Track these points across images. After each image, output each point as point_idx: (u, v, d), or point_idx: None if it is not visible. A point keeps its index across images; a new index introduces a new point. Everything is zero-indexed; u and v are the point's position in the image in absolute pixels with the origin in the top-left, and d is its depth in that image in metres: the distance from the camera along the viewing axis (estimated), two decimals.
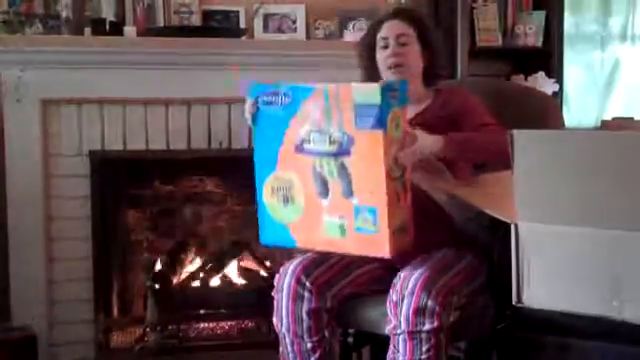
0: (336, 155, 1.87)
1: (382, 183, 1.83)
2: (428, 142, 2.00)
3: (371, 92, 1.82)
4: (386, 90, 1.82)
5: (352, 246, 1.91)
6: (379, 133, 1.81)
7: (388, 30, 2.27)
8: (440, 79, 2.36)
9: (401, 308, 1.93)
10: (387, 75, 2.28)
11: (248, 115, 2.00)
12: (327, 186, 1.90)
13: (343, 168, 1.87)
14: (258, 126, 1.99)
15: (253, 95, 1.99)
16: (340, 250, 1.97)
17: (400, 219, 1.89)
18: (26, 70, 2.98)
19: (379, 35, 2.29)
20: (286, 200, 1.96)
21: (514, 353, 2.12)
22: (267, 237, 2.03)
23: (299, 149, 1.92)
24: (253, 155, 2.01)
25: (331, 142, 1.87)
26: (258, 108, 1.97)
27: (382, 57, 2.28)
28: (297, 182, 1.94)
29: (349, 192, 1.87)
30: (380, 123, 1.80)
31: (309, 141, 1.90)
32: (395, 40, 2.25)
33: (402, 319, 1.93)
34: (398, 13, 2.32)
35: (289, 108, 1.93)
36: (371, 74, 2.34)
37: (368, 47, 2.34)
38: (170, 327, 3.20)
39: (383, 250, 1.87)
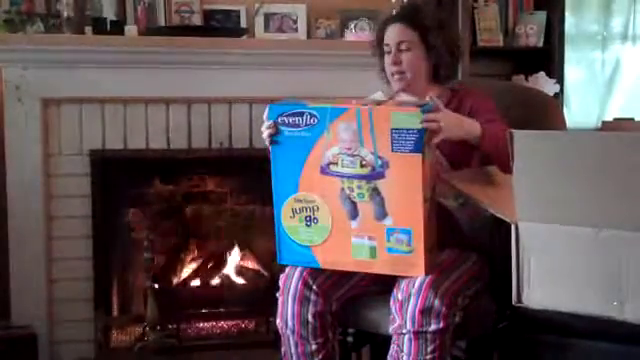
0: (368, 178, 1.88)
1: (419, 205, 1.85)
2: (452, 120, 1.96)
3: (410, 117, 1.82)
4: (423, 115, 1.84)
5: (383, 267, 1.92)
6: (417, 157, 1.83)
7: (389, 36, 2.25)
8: (451, 77, 2.31)
9: (407, 307, 1.93)
10: (392, 81, 2.28)
11: (266, 137, 1.97)
12: (356, 208, 1.91)
13: (375, 191, 1.87)
14: (278, 147, 1.96)
15: (273, 116, 1.95)
16: (369, 271, 1.97)
17: (432, 238, 1.92)
18: (27, 69, 2.98)
19: (384, 39, 2.27)
20: (309, 221, 1.95)
21: (515, 353, 2.11)
22: (286, 258, 2.03)
23: (324, 171, 1.91)
24: (271, 177, 1.99)
25: (362, 165, 1.87)
26: (278, 129, 1.95)
27: (386, 63, 2.28)
28: (322, 203, 1.94)
29: (382, 214, 1.88)
30: (418, 147, 1.82)
31: (336, 163, 1.90)
32: (396, 47, 2.23)
33: (408, 318, 1.92)
34: (401, 17, 2.27)
35: (315, 129, 1.90)
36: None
37: (380, 47, 2.31)
38: (170, 326, 3.20)
39: (418, 270, 1.89)
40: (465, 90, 2.32)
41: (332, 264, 1.99)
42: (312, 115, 1.90)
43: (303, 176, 1.94)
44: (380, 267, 1.93)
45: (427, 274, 1.91)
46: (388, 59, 2.26)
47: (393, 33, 2.25)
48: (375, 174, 1.87)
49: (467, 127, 2.03)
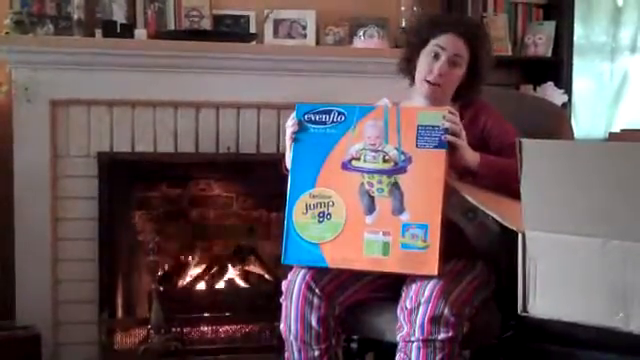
0: (389, 173, 1.93)
1: (439, 200, 1.89)
2: (470, 153, 2.02)
3: (437, 116, 1.94)
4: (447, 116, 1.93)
5: (395, 264, 1.93)
6: (441, 152, 1.91)
7: (447, 43, 2.17)
8: (465, 99, 2.26)
9: (416, 315, 1.92)
10: (421, 85, 2.21)
11: (289, 134, 2.03)
12: (374, 203, 1.94)
13: (395, 185, 1.93)
14: (300, 144, 2.02)
15: (299, 114, 2.03)
16: (379, 269, 1.97)
17: (442, 244, 1.92)
18: (36, 70, 2.99)
19: (435, 41, 2.19)
20: (322, 217, 1.98)
21: None
22: (291, 257, 2.02)
23: (346, 166, 1.97)
24: (290, 173, 2.03)
25: (385, 160, 1.94)
26: (303, 127, 2.02)
27: (425, 67, 2.20)
28: (338, 199, 1.97)
29: (400, 209, 1.92)
30: (443, 144, 1.91)
31: (359, 159, 1.96)
32: (448, 58, 2.16)
33: (417, 327, 1.92)
34: (465, 31, 2.19)
35: (341, 126, 1.98)
36: (411, 67, 2.26)
37: (420, 42, 2.23)
38: (174, 329, 3.20)
39: (430, 267, 1.90)
40: (480, 105, 2.27)
41: (341, 262, 1.98)
42: (340, 113, 1.99)
43: (322, 172, 1.99)
44: (391, 265, 1.93)
45: (439, 273, 1.90)
46: (431, 64, 2.18)
47: (453, 43, 2.18)
48: (397, 169, 1.93)
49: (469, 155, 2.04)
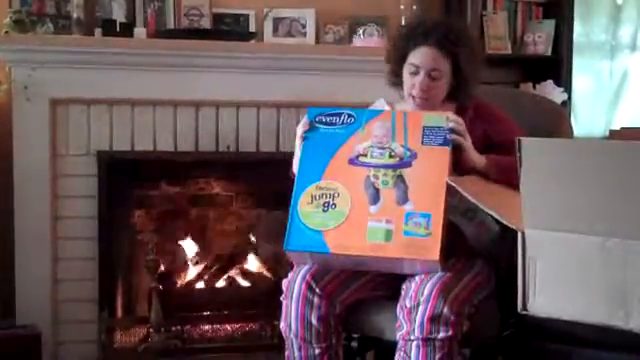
0: (395, 167, 2.02)
1: (442, 192, 1.96)
2: (476, 154, 2.07)
3: (441, 118, 2.05)
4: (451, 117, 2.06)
5: (396, 249, 1.96)
6: (446, 149, 2.01)
7: (421, 60, 2.16)
8: (469, 97, 2.25)
9: (416, 314, 1.93)
10: (408, 100, 2.22)
11: (300, 133, 2.11)
12: (378, 194, 2.00)
13: (400, 178, 2.01)
14: (309, 141, 2.11)
15: (311, 116, 2.13)
16: (381, 254, 1.97)
17: (443, 240, 1.94)
18: (36, 69, 2.99)
19: (410, 58, 2.18)
20: (327, 207, 2.02)
21: None
22: (293, 243, 2.04)
23: (353, 162, 2.05)
24: (298, 167, 2.10)
25: (391, 156, 2.03)
26: (314, 127, 2.10)
27: (408, 82, 2.19)
28: (344, 190, 2.03)
29: (403, 200, 1.99)
30: (447, 142, 2.02)
31: (366, 155, 2.04)
32: (426, 74, 2.15)
33: (416, 325, 1.93)
34: (436, 42, 2.15)
35: (350, 127, 2.08)
36: (398, 81, 2.26)
37: (399, 57, 2.23)
38: (174, 328, 3.21)
39: (432, 253, 1.93)
40: (477, 105, 2.26)
41: (343, 248, 1.99)
42: (350, 115, 2.10)
43: (330, 166, 2.06)
44: (394, 250, 1.95)
45: (440, 260, 1.92)
46: (410, 80, 2.18)
47: (427, 58, 2.15)
48: (402, 163, 2.02)
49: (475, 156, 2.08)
